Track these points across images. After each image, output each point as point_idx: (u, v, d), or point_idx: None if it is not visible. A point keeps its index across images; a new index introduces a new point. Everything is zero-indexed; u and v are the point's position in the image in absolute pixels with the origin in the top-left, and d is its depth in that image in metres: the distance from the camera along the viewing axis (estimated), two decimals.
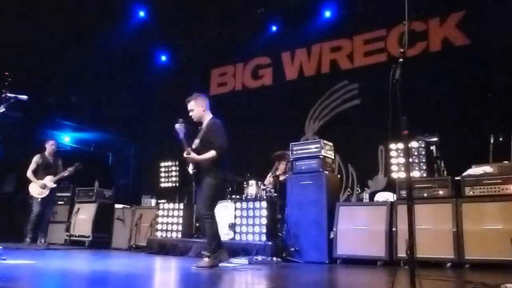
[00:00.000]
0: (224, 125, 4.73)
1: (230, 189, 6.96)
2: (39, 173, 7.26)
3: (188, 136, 4.58)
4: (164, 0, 8.51)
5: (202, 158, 4.53)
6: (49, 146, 7.49)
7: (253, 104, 8.80)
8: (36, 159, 7.35)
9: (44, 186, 7.14)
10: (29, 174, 7.24)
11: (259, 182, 6.67)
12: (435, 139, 5.53)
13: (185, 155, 4.54)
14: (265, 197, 6.36)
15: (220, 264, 4.52)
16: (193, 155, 4.53)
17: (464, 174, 5.11)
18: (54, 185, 7.28)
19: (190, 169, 4.71)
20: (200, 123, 4.79)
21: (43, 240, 7.14)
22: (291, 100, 8.34)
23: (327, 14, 8.17)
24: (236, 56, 9.27)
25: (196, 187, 4.77)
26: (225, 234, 6.39)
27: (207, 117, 4.75)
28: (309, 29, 8.33)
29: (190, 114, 4.74)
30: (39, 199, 7.12)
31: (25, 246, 6.81)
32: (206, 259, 4.43)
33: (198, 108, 4.71)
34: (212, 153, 4.48)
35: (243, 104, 8.93)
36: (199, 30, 8.88)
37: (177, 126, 4.50)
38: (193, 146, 4.65)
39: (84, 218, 7.99)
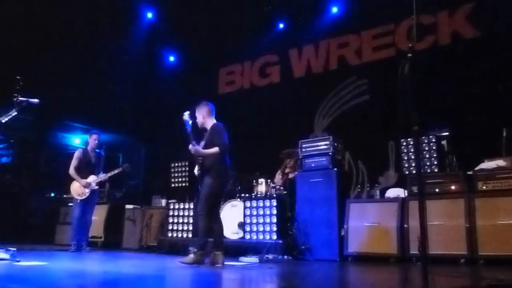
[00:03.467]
0: (227, 125, 4.96)
1: (239, 187, 6.97)
2: (81, 170, 6.66)
3: (193, 129, 4.79)
4: (171, 1, 8.53)
5: (206, 152, 4.75)
6: (92, 140, 6.84)
7: (261, 102, 8.77)
8: (77, 154, 6.76)
9: (87, 186, 6.58)
10: (72, 171, 6.62)
11: (269, 180, 6.66)
12: (446, 133, 5.46)
13: (190, 147, 4.74)
14: (275, 195, 6.35)
15: (217, 266, 4.53)
16: (197, 147, 4.74)
17: (477, 168, 5.03)
18: (96, 187, 6.74)
19: (196, 171, 4.88)
20: (204, 129, 5.00)
21: (84, 244, 6.61)
22: (300, 97, 8.30)
23: (334, 10, 8.11)
24: (244, 55, 9.25)
25: (200, 188, 4.87)
26: (234, 233, 6.40)
27: (210, 122, 4.97)
28: (317, 26, 8.27)
29: (197, 120, 4.98)
30: (79, 201, 6.58)
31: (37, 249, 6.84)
32: (191, 255, 4.56)
33: (200, 116, 4.97)
34: (215, 149, 4.70)
35: (252, 102, 8.90)
36: (206, 29, 8.88)
37: (185, 116, 4.74)
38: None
39: (96, 219, 8.03)
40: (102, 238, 7.93)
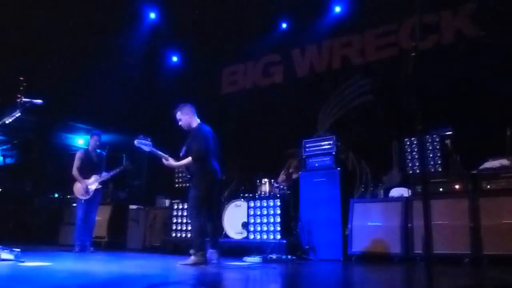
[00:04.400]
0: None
1: (243, 187, 6.98)
2: (83, 171, 6.69)
3: (156, 146, 4.93)
4: (174, 1, 8.54)
5: (179, 164, 4.88)
6: (93, 141, 6.87)
7: (264, 102, 8.77)
8: (79, 155, 6.80)
9: (86, 191, 6.61)
10: (75, 172, 6.67)
11: (272, 180, 6.66)
12: (450, 132, 5.45)
13: (164, 162, 4.89)
14: (278, 195, 6.35)
15: (212, 263, 4.66)
16: (170, 162, 4.88)
17: (481, 167, 5.02)
18: (99, 186, 6.75)
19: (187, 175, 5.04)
20: (189, 132, 5.05)
21: (87, 245, 6.60)
22: (303, 97, 8.28)
23: (337, 9, 8.10)
24: (247, 55, 9.25)
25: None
26: (238, 233, 6.40)
27: (195, 123, 5.01)
28: (319, 25, 8.26)
29: (180, 123, 5.01)
30: (83, 201, 6.61)
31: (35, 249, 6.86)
32: (192, 257, 4.63)
33: (184, 118, 4.98)
34: (188, 159, 4.77)
35: (255, 102, 8.90)
36: (209, 29, 8.88)
37: (136, 142, 4.90)
38: (181, 154, 4.93)
39: (99, 219, 8.04)
40: (105, 239, 7.95)
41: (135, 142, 4.90)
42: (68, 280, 3.56)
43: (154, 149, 4.92)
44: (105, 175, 6.81)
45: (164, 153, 4.99)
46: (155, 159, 10.17)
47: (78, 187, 6.68)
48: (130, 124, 9.92)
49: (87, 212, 6.64)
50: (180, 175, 7.87)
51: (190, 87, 9.53)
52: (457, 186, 5.06)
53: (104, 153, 7.07)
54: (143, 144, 4.90)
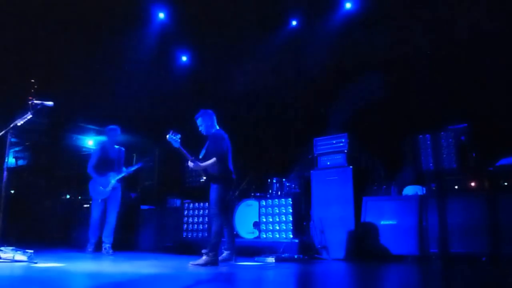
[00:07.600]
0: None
1: (254, 187, 6.94)
2: (100, 168, 6.36)
3: (183, 145, 4.95)
4: (183, 1, 8.52)
5: (204, 165, 4.90)
6: (111, 135, 6.55)
7: (275, 100, 8.72)
8: (96, 150, 6.53)
9: (106, 185, 6.33)
10: (90, 170, 6.38)
11: (284, 179, 6.62)
12: (465, 128, 5.35)
13: (189, 163, 4.94)
14: (290, 194, 6.30)
15: (228, 263, 4.78)
16: (196, 163, 4.91)
17: (498, 164, 4.91)
18: (118, 184, 6.41)
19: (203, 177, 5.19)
20: (207, 136, 5.14)
21: (107, 247, 6.34)
22: (314, 94, 8.22)
23: (348, 5, 8.01)
24: (257, 53, 9.19)
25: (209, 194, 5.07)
26: (249, 233, 6.36)
27: (213, 130, 5.11)
28: (330, 22, 8.18)
29: (200, 129, 5.11)
30: (99, 200, 6.32)
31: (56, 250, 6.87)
32: (204, 257, 4.64)
33: (205, 124, 5.08)
34: (212, 160, 4.85)
35: (265, 100, 8.86)
36: (218, 28, 8.85)
37: (168, 137, 4.95)
38: (200, 156, 5.01)
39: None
40: (117, 239, 7.96)
41: (167, 136, 4.95)
42: (82, 281, 3.55)
43: (181, 147, 4.94)
44: (124, 172, 6.49)
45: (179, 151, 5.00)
46: (165, 159, 10.26)
47: (93, 186, 6.41)
48: (140, 125, 9.95)
49: (105, 212, 6.35)
50: (191, 174, 7.85)
51: (200, 87, 9.51)
52: (473, 183, 4.96)
53: (123, 149, 6.73)
54: (173, 140, 4.92)
